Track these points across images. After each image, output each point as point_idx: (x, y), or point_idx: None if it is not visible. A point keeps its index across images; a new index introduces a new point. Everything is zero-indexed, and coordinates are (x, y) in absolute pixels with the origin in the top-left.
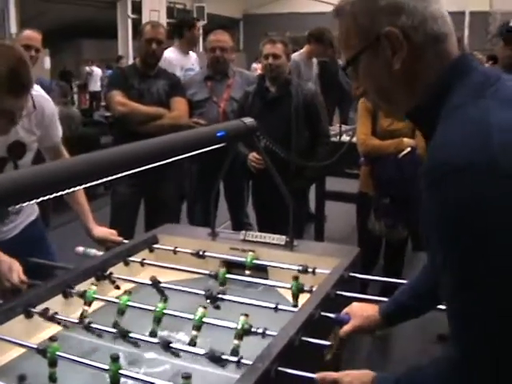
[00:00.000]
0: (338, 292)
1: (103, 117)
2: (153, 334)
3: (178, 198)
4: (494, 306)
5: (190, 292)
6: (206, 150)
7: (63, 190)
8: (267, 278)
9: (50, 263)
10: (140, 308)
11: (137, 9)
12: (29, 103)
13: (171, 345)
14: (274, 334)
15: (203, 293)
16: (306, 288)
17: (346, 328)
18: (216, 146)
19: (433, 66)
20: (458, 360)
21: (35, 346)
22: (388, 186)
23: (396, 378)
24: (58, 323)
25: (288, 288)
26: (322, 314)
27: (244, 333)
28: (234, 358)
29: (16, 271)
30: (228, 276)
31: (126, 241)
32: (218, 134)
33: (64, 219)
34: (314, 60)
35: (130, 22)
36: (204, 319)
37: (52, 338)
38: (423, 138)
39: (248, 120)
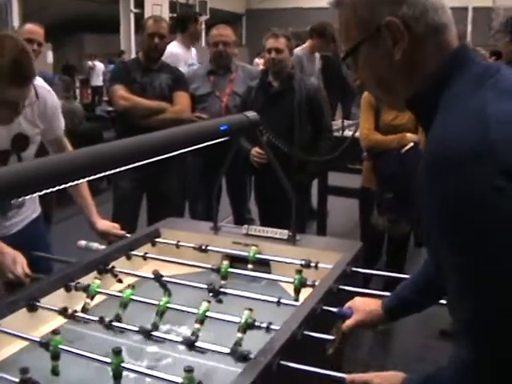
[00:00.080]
0: (341, 286)
1: (105, 111)
2: (155, 327)
3: (180, 192)
4: (496, 302)
5: (192, 286)
6: (209, 144)
7: (66, 183)
8: (270, 273)
9: (52, 257)
10: (143, 302)
11: (139, 3)
12: (31, 93)
13: (196, 344)
14: (277, 328)
15: (205, 287)
16: (308, 282)
17: (349, 322)
18: (219, 140)
19: (433, 56)
20: (469, 361)
21: (38, 339)
22: (391, 180)
23: (424, 380)
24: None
25: (290, 282)
26: (325, 308)
27: (247, 327)
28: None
29: (20, 264)
30: (230, 270)
31: (128, 235)
32: (221, 128)
33: (67, 213)
34: (317, 55)
35: (132, 16)
36: (207, 313)
37: (55, 332)
38: (421, 128)
39: (251, 114)
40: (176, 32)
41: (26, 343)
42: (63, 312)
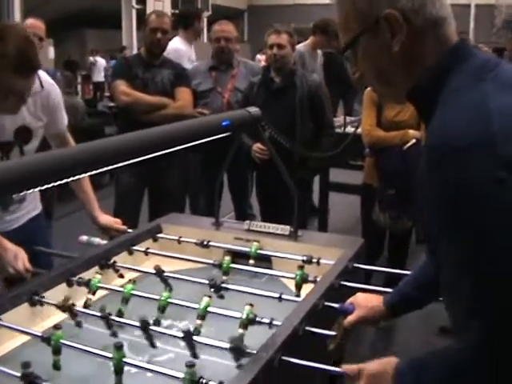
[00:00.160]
0: (342, 282)
1: (107, 107)
2: (157, 322)
3: (181, 187)
4: (495, 287)
5: (193, 281)
6: (211, 140)
7: (68, 178)
8: (271, 268)
9: (54, 252)
10: (144, 297)
11: None
12: (36, 83)
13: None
14: (278, 323)
15: (207, 282)
16: (310, 278)
17: (351, 318)
18: (221, 136)
19: (432, 50)
20: (465, 347)
21: (39, 334)
22: (393, 177)
23: (415, 364)
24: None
25: (292, 278)
26: (326, 304)
27: (249, 322)
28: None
29: (21, 259)
30: (232, 266)
31: (130, 230)
32: (223, 123)
33: (68, 209)
34: (319, 51)
35: (134, 12)
36: (208, 308)
37: (56, 326)
38: (422, 122)
39: (253, 109)
40: (178, 28)
41: (27, 338)
42: (62, 307)
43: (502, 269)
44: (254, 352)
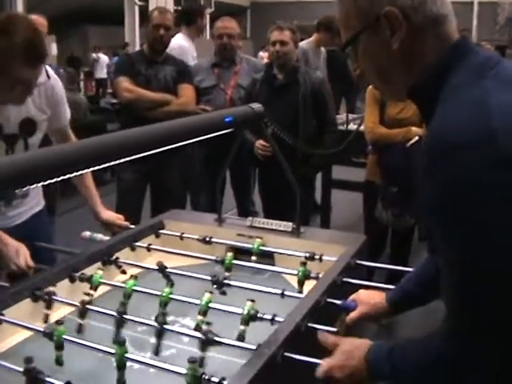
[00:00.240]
0: (345, 279)
1: (110, 104)
2: (158, 318)
3: (183, 184)
4: (492, 282)
5: (196, 277)
6: (213, 136)
7: (71, 173)
8: (274, 265)
9: (56, 248)
10: (146, 293)
11: None
12: (43, 73)
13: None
14: (281, 320)
15: (209, 278)
16: (312, 275)
17: (353, 315)
18: (223, 132)
19: (433, 47)
20: (452, 333)
21: (42, 329)
22: (395, 174)
23: (389, 348)
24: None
25: (294, 274)
26: (329, 300)
27: (250, 318)
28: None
29: (23, 255)
30: (234, 262)
31: (132, 226)
32: (226, 120)
33: (71, 205)
34: (323, 49)
35: (136, 8)
36: (210, 304)
37: (58, 322)
38: (423, 119)
39: (256, 106)
40: (181, 25)
41: (30, 333)
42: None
43: (499, 265)
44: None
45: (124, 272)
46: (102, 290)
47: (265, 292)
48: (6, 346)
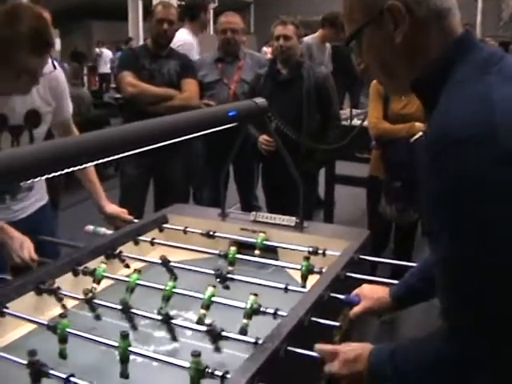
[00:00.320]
0: (348, 274)
1: (113, 98)
2: (161, 312)
3: (186, 178)
4: (496, 277)
5: (199, 271)
6: (217, 130)
7: (74, 166)
8: (277, 259)
9: (60, 241)
10: (149, 287)
11: None
12: (49, 63)
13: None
14: (284, 314)
15: (213, 272)
16: (315, 269)
17: (356, 309)
18: (227, 126)
19: (436, 41)
20: (453, 331)
21: (46, 323)
22: (399, 169)
23: (391, 350)
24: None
25: (298, 269)
26: (332, 295)
27: (253, 312)
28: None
29: (27, 248)
30: (238, 256)
31: (135, 220)
32: (230, 114)
33: (75, 199)
34: (328, 45)
35: (140, 3)
36: (213, 298)
37: (62, 315)
38: (426, 113)
39: (260, 100)
40: (184, 20)
41: (33, 326)
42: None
43: (503, 260)
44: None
45: (127, 266)
46: (105, 283)
47: (268, 286)
48: (10, 339)
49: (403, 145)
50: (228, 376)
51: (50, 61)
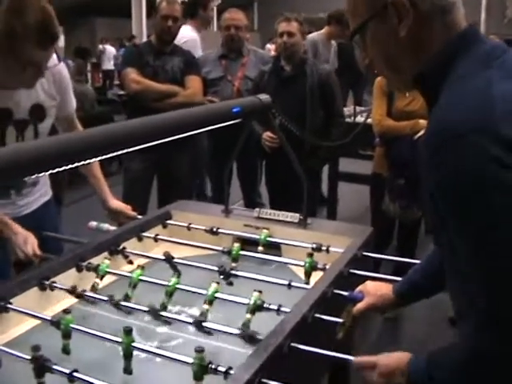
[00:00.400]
0: (351, 270)
1: (116, 95)
2: (164, 308)
3: (190, 174)
4: (500, 269)
5: (203, 268)
6: (220, 126)
7: (80, 161)
8: (280, 256)
9: (63, 237)
10: (153, 282)
11: None
12: (54, 56)
13: (204, 324)
14: (287, 310)
15: (216, 269)
16: (319, 266)
17: (360, 306)
18: (231, 122)
19: (440, 35)
20: (483, 320)
21: (49, 318)
22: (403, 167)
23: (427, 358)
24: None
25: (301, 266)
26: (335, 291)
27: (256, 308)
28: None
29: (31, 244)
30: (241, 253)
31: (139, 216)
32: (234, 110)
33: (78, 195)
34: (333, 42)
35: (144, 0)
36: (217, 294)
37: (66, 311)
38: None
39: (263, 97)
40: (186, 17)
41: (37, 322)
42: (72, 291)
43: (505, 250)
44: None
45: (131, 262)
46: (108, 279)
47: (271, 283)
48: (14, 334)
49: (407, 142)
50: (231, 372)
51: (54, 54)
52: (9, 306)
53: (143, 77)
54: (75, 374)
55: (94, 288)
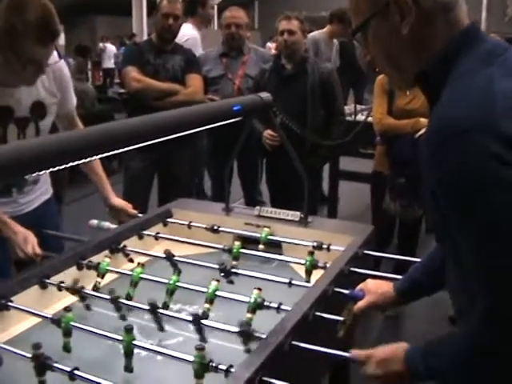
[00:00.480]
0: (352, 269)
1: (117, 93)
2: (165, 306)
3: (191, 173)
4: (501, 264)
5: (203, 266)
6: (221, 125)
7: (80, 159)
8: (281, 254)
9: (64, 235)
10: (153, 281)
11: None
12: (54, 53)
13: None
14: (288, 308)
15: (217, 267)
16: (320, 264)
17: (361, 304)
18: (232, 120)
19: (443, 33)
20: (483, 317)
21: (50, 316)
22: (403, 165)
23: (424, 347)
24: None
25: (302, 264)
26: (336, 289)
27: (257, 307)
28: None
29: (31, 243)
30: (242, 251)
31: (140, 214)
32: (234, 108)
33: (79, 194)
34: (335, 41)
35: None
36: (217, 293)
37: (66, 309)
38: (429, 106)
39: (264, 95)
40: (186, 15)
41: (38, 320)
42: (71, 289)
43: (506, 247)
44: (263, 336)
45: (131, 260)
46: (109, 277)
47: (272, 281)
48: (15, 332)
49: (408, 140)
50: (232, 370)
51: (54, 52)
52: (10, 304)
53: (144, 75)
54: (76, 372)
55: (95, 287)
